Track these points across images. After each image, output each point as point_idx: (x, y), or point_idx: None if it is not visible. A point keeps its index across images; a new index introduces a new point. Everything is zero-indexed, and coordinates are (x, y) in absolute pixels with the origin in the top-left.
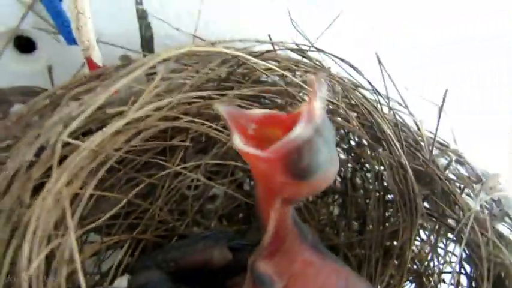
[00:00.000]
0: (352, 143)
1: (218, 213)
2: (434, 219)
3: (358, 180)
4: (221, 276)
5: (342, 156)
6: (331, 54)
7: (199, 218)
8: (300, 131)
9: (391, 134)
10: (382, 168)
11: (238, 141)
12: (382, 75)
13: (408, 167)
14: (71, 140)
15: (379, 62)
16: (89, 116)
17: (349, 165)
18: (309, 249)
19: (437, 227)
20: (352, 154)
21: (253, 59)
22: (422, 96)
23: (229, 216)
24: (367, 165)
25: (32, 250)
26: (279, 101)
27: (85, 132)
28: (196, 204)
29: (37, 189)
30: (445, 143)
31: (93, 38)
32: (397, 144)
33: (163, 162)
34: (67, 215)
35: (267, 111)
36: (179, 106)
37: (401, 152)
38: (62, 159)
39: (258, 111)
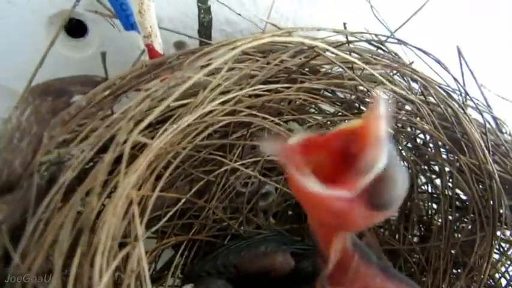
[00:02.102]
0: (419, 141)
1: (271, 211)
2: None
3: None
4: (282, 284)
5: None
6: (413, 46)
7: (251, 216)
8: (376, 162)
9: (478, 138)
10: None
11: (314, 185)
12: (462, 71)
13: (496, 175)
14: (143, 139)
15: (460, 55)
16: (147, 109)
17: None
18: (378, 274)
19: None
20: (417, 155)
21: (333, 50)
22: (501, 94)
23: (280, 214)
24: (435, 168)
25: (102, 263)
26: (347, 96)
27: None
28: (249, 202)
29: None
30: None
31: (155, 24)
32: (485, 149)
33: (221, 159)
34: (136, 223)
35: (300, 136)
36: (244, 100)
37: (489, 159)
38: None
39: (293, 140)
